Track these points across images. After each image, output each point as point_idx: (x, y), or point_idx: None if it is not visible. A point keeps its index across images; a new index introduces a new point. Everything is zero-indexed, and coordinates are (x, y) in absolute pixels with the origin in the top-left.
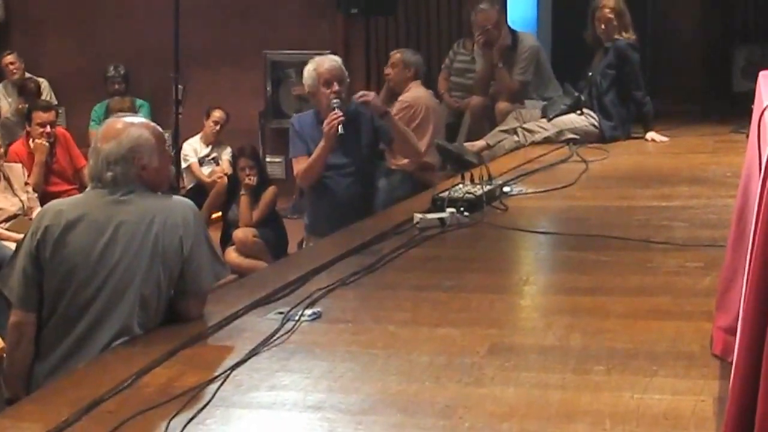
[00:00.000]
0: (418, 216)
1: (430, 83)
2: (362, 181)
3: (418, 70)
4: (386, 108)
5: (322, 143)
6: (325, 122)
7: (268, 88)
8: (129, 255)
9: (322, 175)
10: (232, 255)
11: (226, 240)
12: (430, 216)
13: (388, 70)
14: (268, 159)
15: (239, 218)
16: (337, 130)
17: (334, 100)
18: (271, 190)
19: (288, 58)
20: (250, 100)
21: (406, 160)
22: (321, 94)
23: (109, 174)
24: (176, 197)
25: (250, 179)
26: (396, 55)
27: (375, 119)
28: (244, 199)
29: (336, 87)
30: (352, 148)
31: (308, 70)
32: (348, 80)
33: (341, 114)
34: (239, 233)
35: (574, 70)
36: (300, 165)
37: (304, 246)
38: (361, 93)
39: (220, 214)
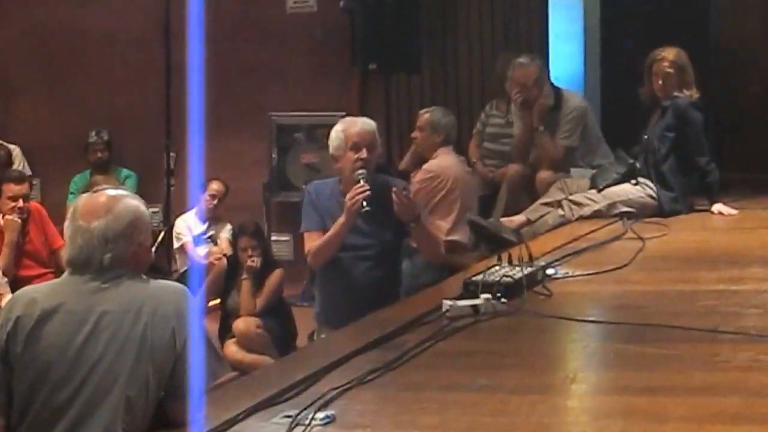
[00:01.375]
0: (447, 303)
1: (461, 149)
2: (384, 265)
3: (449, 135)
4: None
5: (341, 219)
6: (348, 195)
7: (273, 156)
8: (113, 351)
9: (337, 256)
10: (231, 349)
11: (225, 331)
12: (461, 303)
13: (415, 134)
14: (273, 237)
15: (240, 306)
16: (362, 206)
17: (360, 171)
18: (277, 274)
19: (296, 120)
20: (253, 170)
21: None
22: (346, 159)
23: (107, 256)
24: (167, 282)
25: (252, 261)
26: (424, 116)
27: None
28: (245, 284)
29: (365, 154)
30: (375, 226)
31: (336, 131)
32: (379, 150)
33: (367, 187)
34: (240, 324)
35: (628, 133)
36: (312, 241)
37: (315, 338)
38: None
39: (218, 301)
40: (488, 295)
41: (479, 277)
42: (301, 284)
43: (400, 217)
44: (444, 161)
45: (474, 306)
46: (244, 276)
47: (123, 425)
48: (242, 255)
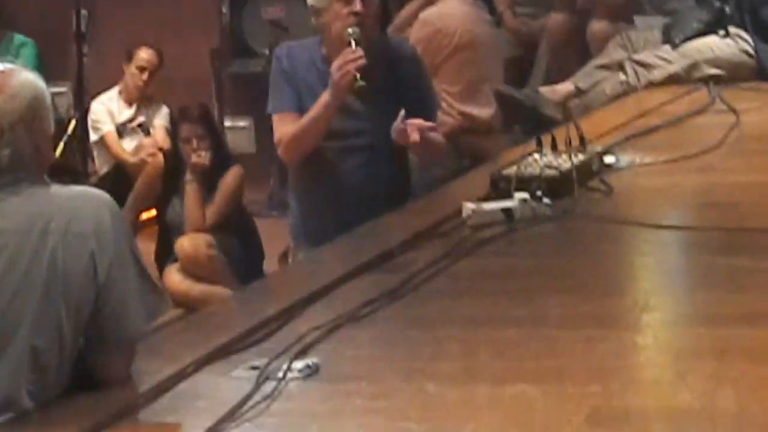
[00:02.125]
0: (469, 207)
1: None
2: (384, 158)
3: None
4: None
5: (326, 96)
6: (335, 63)
7: (224, 11)
8: (10, 284)
9: (320, 147)
10: (174, 277)
11: (166, 254)
12: (488, 206)
13: None
14: (227, 123)
15: (185, 219)
16: (355, 79)
17: (351, 29)
18: (233, 174)
19: None
20: (197, 32)
21: (448, 118)
22: (333, 13)
23: (5, 152)
24: (83, 189)
25: (199, 156)
26: None
27: (409, 65)
28: (191, 189)
29: (359, 6)
30: (373, 105)
31: None
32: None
33: (362, 53)
34: (185, 243)
35: None
36: (286, 126)
37: (289, 260)
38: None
39: (153, 213)
40: (525, 194)
41: (512, 170)
42: (267, 186)
43: (420, 157)
44: (445, 8)
45: (506, 210)
46: (189, 177)
47: (29, 386)
48: (185, 148)
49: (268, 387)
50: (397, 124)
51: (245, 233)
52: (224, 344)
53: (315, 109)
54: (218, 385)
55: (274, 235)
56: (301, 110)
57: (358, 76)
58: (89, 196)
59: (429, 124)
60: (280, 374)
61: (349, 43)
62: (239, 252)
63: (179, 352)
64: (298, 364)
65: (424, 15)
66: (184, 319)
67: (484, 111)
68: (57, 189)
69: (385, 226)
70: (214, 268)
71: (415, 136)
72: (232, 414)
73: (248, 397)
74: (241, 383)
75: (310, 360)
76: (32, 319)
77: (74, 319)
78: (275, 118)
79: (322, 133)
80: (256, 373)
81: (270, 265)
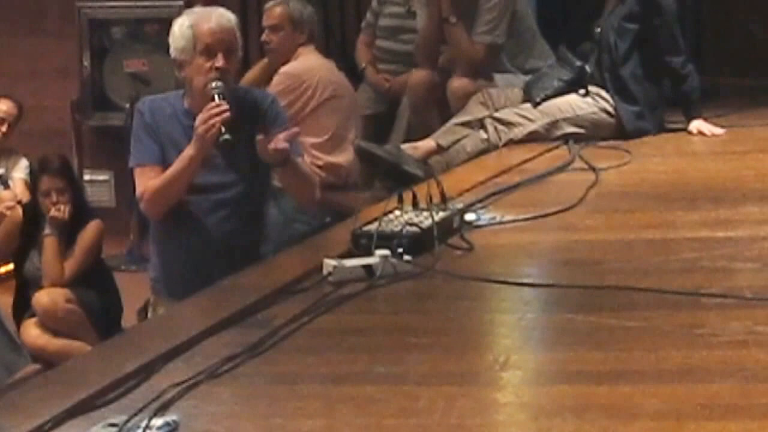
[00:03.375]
0: (330, 264)
1: (330, 53)
2: (246, 212)
3: (313, 31)
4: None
5: (190, 150)
6: (200, 117)
7: (85, 64)
8: None
9: (183, 201)
10: (32, 332)
11: (23, 308)
12: (349, 263)
13: (268, 36)
14: (87, 177)
15: (43, 273)
16: (220, 132)
17: (214, 84)
18: (93, 227)
19: (114, 13)
20: (57, 83)
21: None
22: (196, 67)
23: None
24: None
25: (58, 210)
26: (276, 11)
27: (269, 112)
28: (49, 242)
29: (221, 61)
30: (236, 158)
31: (180, 26)
32: (240, 52)
33: (226, 106)
34: (43, 297)
35: (574, 25)
36: (148, 180)
37: (149, 314)
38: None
39: (11, 267)
40: (386, 251)
41: (373, 227)
42: (126, 240)
43: (265, 159)
44: (307, 61)
45: (367, 266)
46: (47, 231)
47: None
48: (44, 201)
49: None
50: (261, 139)
51: (104, 287)
52: (83, 400)
53: (179, 163)
54: None
55: (133, 290)
56: (164, 163)
57: (223, 129)
58: None
59: (294, 130)
60: (139, 431)
61: (213, 98)
62: (98, 306)
63: (38, 408)
64: (158, 422)
65: (286, 69)
66: (42, 374)
67: (346, 160)
68: None
69: (247, 280)
70: (72, 323)
71: (282, 144)
72: None
73: None
74: None
75: (170, 417)
76: None
77: None
78: (137, 172)
79: (186, 187)
80: (114, 430)
81: (129, 319)
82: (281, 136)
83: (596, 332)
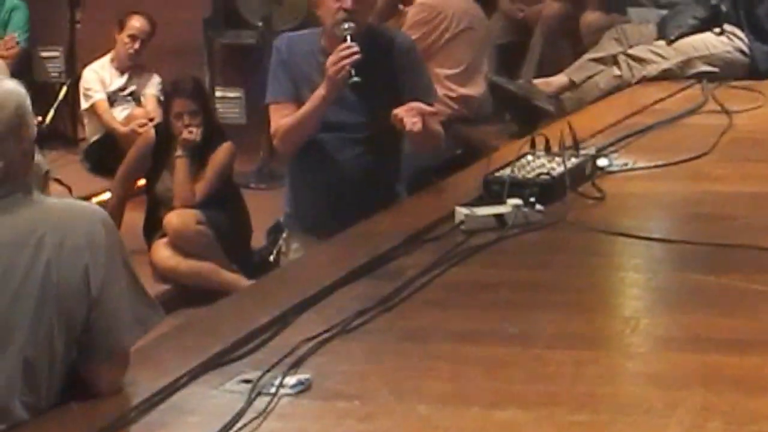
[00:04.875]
0: (462, 212)
1: None
2: (380, 150)
3: None
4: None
5: (321, 90)
6: (331, 58)
7: None
8: (3, 298)
9: (316, 138)
10: (163, 253)
11: (154, 228)
12: (480, 212)
13: None
14: (218, 93)
15: (174, 194)
16: (350, 74)
17: (346, 24)
18: (224, 150)
19: None
20: (189, 1)
21: (441, 107)
22: (325, 9)
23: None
24: (78, 203)
25: (190, 132)
26: None
27: (406, 60)
28: (181, 164)
29: (348, 3)
30: (366, 100)
31: None
32: None
33: (356, 48)
34: (174, 218)
35: None
36: (282, 116)
37: (282, 249)
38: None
39: (143, 182)
40: (518, 200)
41: (505, 173)
42: (257, 158)
43: (416, 149)
44: None
45: (499, 215)
46: (179, 153)
47: (22, 397)
48: (176, 123)
49: (260, 403)
50: (399, 110)
51: (234, 209)
52: (217, 353)
53: (311, 102)
54: (210, 398)
55: (263, 209)
56: (298, 100)
57: (353, 71)
58: (83, 209)
59: (430, 109)
60: (273, 390)
61: (344, 39)
62: (227, 227)
63: (172, 362)
64: (291, 380)
65: None
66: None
67: (478, 91)
68: (50, 201)
69: (378, 227)
70: (202, 244)
71: (418, 126)
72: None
73: (240, 414)
74: (233, 397)
75: (303, 375)
76: (25, 332)
77: (67, 332)
78: (271, 108)
79: (317, 126)
80: (248, 386)
81: (258, 239)
82: (415, 119)
83: (726, 295)
